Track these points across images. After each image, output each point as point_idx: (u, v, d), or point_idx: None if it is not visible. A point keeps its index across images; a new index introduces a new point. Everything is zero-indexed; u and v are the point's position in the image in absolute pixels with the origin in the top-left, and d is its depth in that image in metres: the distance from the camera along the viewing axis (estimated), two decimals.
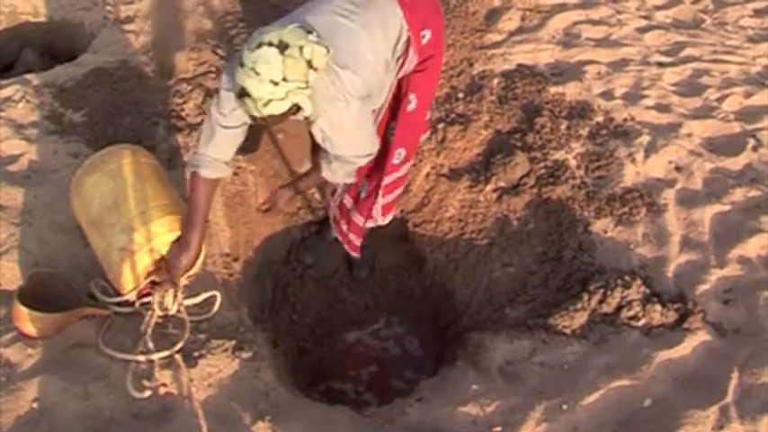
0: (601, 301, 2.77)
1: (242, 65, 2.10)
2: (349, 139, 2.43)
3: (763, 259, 2.97)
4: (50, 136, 3.15)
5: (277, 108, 2.15)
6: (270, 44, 2.08)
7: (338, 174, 2.56)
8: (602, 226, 3.09)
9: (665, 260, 2.96)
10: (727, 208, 3.17)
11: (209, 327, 2.61)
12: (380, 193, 2.92)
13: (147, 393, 2.35)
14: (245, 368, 2.50)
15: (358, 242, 3.11)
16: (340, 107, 2.30)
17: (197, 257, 2.58)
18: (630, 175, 3.28)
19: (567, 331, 2.70)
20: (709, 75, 3.87)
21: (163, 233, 2.52)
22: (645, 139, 3.43)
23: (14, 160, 3.02)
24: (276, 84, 2.09)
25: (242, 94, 2.14)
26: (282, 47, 2.09)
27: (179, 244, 2.51)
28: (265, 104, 2.13)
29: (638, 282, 2.81)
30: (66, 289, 2.53)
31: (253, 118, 2.24)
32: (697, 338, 2.66)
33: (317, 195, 3.42)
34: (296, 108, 2.19)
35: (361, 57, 2.33)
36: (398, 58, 2.53)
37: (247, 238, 3.18)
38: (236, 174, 3.21)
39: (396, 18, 2.45)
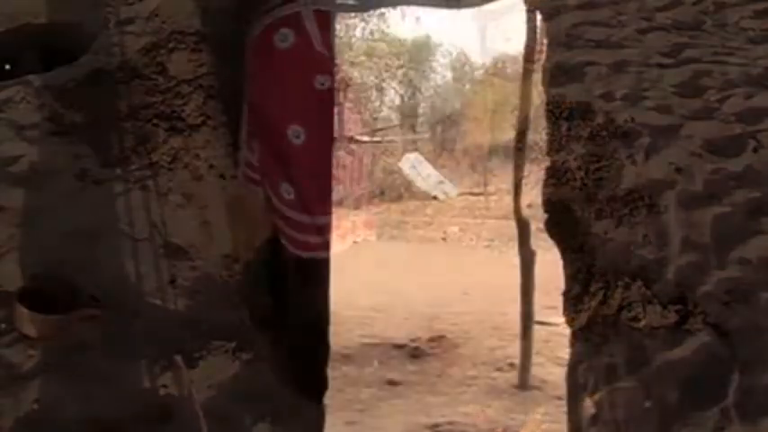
0: (601, 303, 2.77)
1: None
2: None
3: (763, 261, 2.96)
4: (51, 137, 3.14)
5: None
6: None
7: None
8: (603, 227, 3.08)
9: (665, 261, 2.95)
10: (728, 209, 3.17)
11: (210, 328, 2.61)
12: None
13: None
14: (245, 369, 2.49)
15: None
16: None
17: None
18: (631, 176, 3.27)
19: (568, 332, 2.70)
20: (710, 76, 3.86)
21: None
22: (645, 140, 3.43)
23: (15, 161, 3.02)
24: None
25: None
26: None
27: None
28: None
29: (639, 283, 2.81)
30: (66, 290, 2.53)
31: None
32: (698, 340, 2.65)
33: None
34: None
35: None
36: None
37: (248, 239, 3.18)
38: (235, 177, 3.20)
39: None
